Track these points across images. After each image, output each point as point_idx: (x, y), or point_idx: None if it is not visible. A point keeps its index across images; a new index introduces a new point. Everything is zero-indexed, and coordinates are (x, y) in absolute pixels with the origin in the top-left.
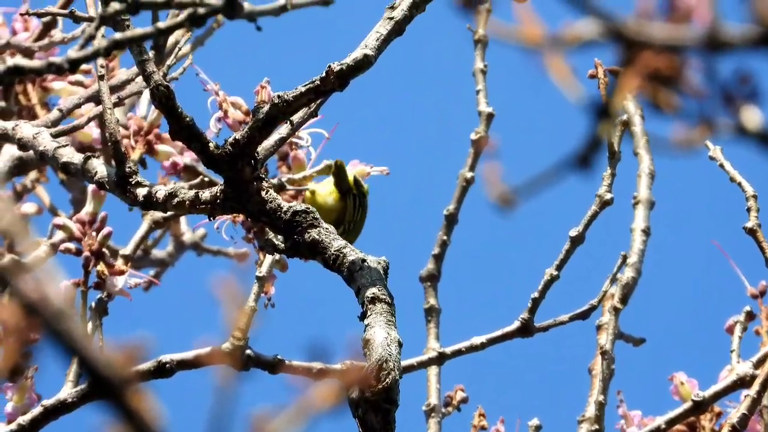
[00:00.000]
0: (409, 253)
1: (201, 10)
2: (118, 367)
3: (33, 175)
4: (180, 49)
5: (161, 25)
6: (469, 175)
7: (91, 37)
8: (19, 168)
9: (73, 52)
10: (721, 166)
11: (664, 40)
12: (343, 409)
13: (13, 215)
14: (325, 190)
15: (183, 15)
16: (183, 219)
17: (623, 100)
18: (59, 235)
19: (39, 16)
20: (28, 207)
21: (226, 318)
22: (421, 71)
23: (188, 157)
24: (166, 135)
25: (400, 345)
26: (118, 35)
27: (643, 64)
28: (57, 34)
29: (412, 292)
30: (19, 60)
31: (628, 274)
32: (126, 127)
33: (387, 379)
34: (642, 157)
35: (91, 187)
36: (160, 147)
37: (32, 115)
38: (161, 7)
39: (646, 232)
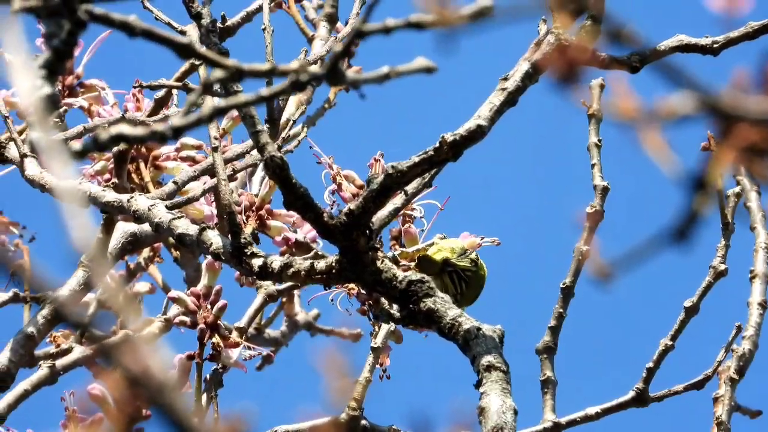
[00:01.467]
0: (525, 324)
1: (303, 77)
2: None
3: (146, 253)
4: (294, 123)
5: (264, 91)
6: (584, 248)
7: (195, 105)
8: (132, 244)
9: (177, 119)
10: None
11: (760, 113)
12: None
13: (124, 294)
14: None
15: (286, 82)
16: (297, 300)
17: (720, 173)
18: (174, 309)
19: (152, 88)
20: (141, 286)
21: (329, 389)
22: (534, 142)
23: (300, 234)
24: (278, 211)
25: (515, 413)
26: (221, 102)
27: (739, 137)
28: (172, 108)
29: (529, 362)
30: (123, 128)
31: (744, 346)
32: (238, 204)
33: None
34: (758, 232)
35: (205, 261)
36: (272, 222)
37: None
38: (264, 75)
39: (763, 305)
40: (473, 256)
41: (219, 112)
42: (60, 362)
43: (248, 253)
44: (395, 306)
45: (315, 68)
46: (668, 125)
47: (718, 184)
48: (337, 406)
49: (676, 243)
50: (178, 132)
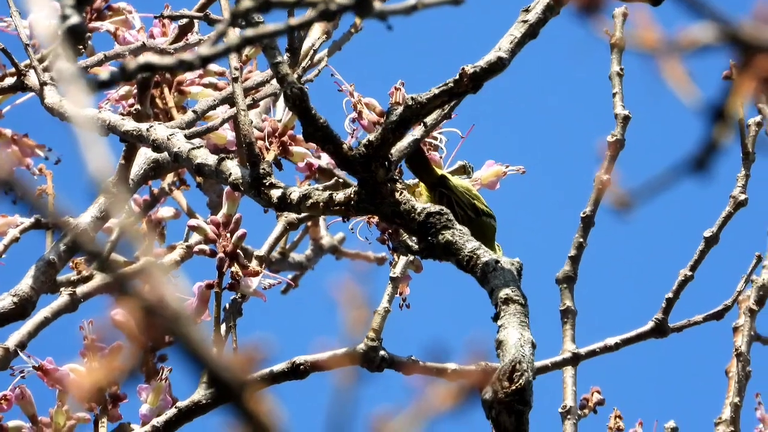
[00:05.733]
0: (545, 255)
1: (332, 6)
2: (238, 370)
3: (170, 178)
4: (316, 52)
5: (292, 21)
6: (604, 177)
7: (222, 35)
8: (155, 171)
9: (205, 49)
10: None
11: None
12: (465, 409)
13: (146, 220)
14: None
15: (314, 11)
16: (322, 223)
17: (740, 103)
18: (195, 237)
19: (173, 18)
20: (165, 211)
21: (346, 320)
22: (556, 74)
23: (323, 159)
24: (301, 137)
25: (533, 346)
26: (248, 32)
27: (760, 68)
28: (193, 37)
29: (549, 293)
30: (151, 57)
31: (764, 276)
32: (261, 129)
33: (520, 380)
34: None
35: (226, 189)
36: (294, 148)
37: (168, 119)
38: (292, 6)
39: None
40: (480, 205)
41: (247, 42)
42: (81, 289)
43: (267, 184)
44: (414, 237)
45: None
46: (689, 56)
47: (739, 114)
48: (355, 337)
49: (695, 173)
50: (205, 61)
